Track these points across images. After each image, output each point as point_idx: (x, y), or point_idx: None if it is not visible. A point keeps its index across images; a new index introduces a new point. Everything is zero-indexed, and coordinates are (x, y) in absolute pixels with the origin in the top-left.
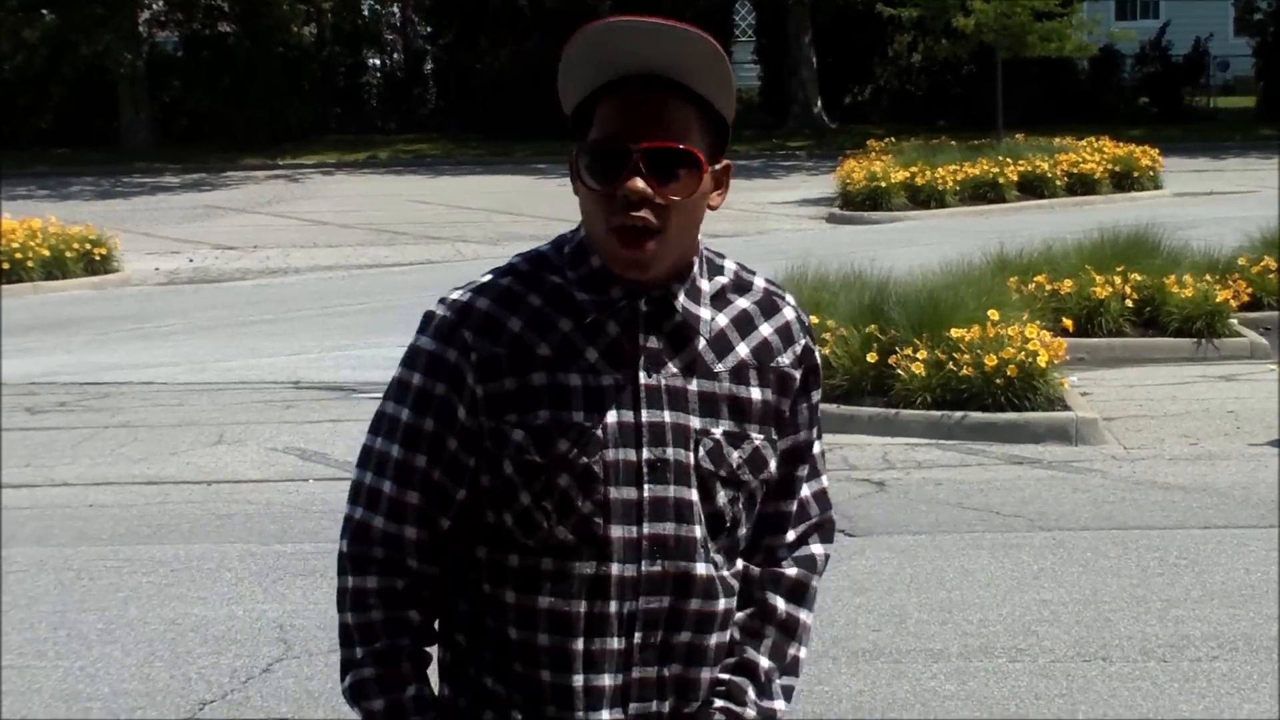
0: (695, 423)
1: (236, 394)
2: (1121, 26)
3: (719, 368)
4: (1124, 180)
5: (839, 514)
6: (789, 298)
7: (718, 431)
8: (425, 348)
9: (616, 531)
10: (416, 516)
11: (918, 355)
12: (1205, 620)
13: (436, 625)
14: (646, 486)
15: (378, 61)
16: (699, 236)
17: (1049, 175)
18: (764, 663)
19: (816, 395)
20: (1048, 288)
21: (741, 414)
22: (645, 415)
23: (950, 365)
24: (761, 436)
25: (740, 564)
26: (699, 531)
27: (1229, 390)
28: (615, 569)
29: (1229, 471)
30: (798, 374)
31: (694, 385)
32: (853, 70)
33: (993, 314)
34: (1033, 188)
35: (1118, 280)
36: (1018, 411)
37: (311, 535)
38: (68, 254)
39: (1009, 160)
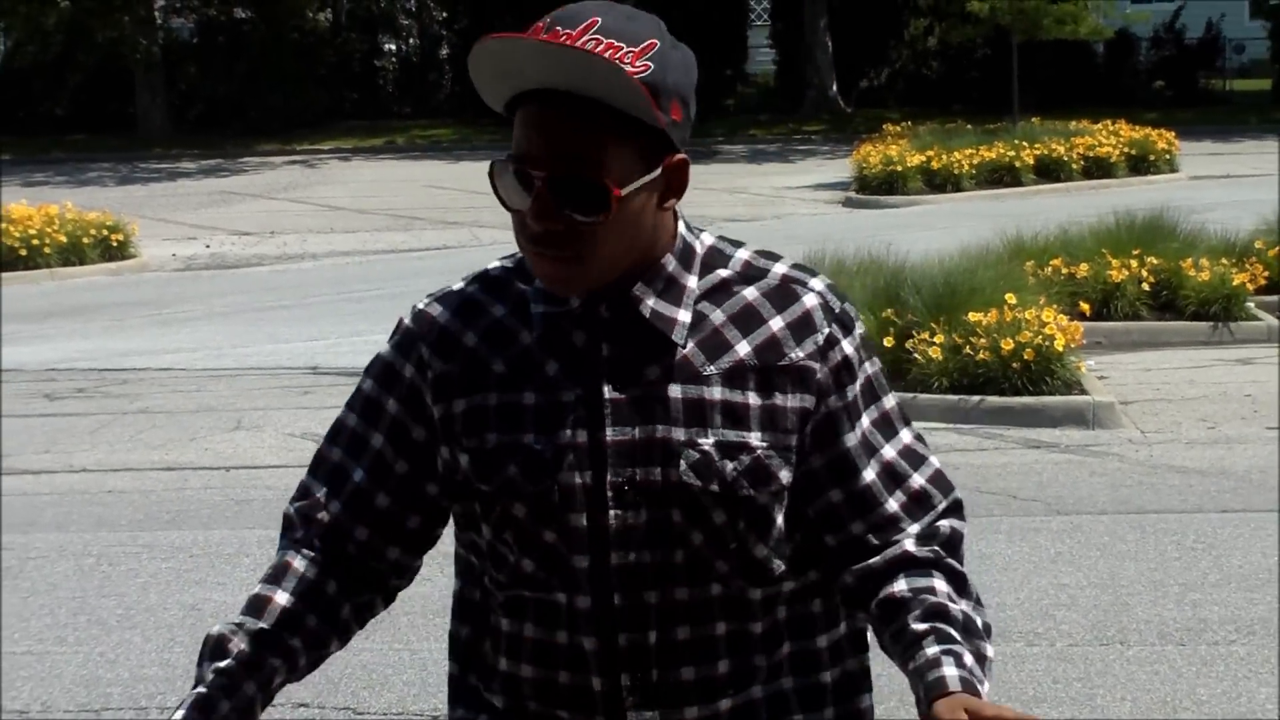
0: (679, 434)
1: (254, 380)
2: (1137, 9)
3: (709, 370)
4: (1140, 164)
5: None
6: (815, 282)
7: (707, 442)
8: (384, 357)
9: (581, 562)
10: (346, 514)
11: (934, 339)
12: (1222, 604)
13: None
14: (613, 513)
15: (393, 47)
16: (688, 231)
17: (1065, 159)
18: (945, 598)
19: (853, 389)
20: (1064, 271)
21: (738, 420)
22: (610, 433)
23: (967, 349)
24: (765, 444)
25: (783, 583)
26: (680, 556)
27: (1246, 374)
28: (582, 603)
29: (1246, 455)
30: (819, 367)
31: (676, 392)
32: (868, 54)
33: (1009, 298)
34: (1049, 171)
35: (1134, 264)
36: (1035, 395)
37: None
38: (85, 240)
39: (1025, 144)
